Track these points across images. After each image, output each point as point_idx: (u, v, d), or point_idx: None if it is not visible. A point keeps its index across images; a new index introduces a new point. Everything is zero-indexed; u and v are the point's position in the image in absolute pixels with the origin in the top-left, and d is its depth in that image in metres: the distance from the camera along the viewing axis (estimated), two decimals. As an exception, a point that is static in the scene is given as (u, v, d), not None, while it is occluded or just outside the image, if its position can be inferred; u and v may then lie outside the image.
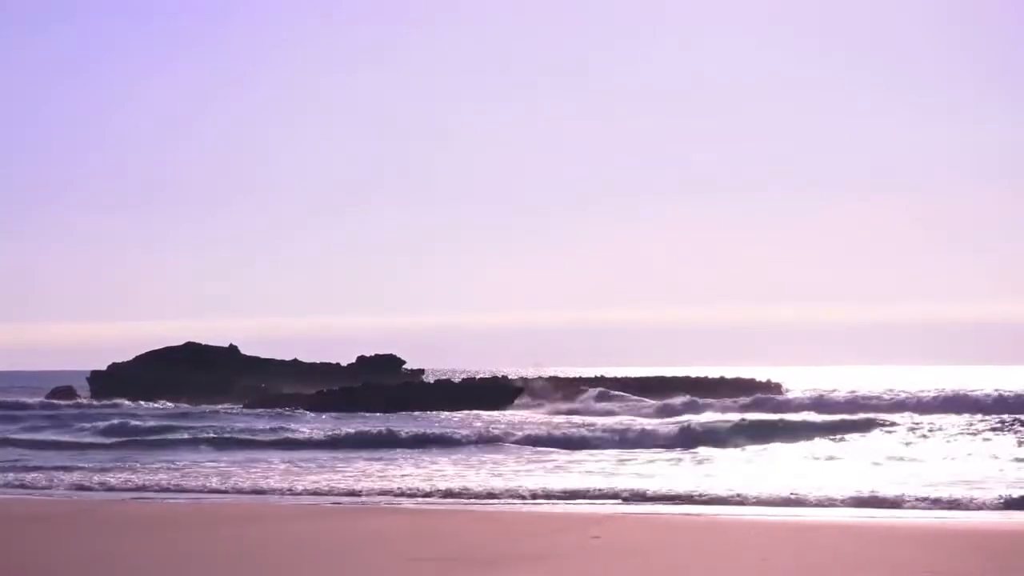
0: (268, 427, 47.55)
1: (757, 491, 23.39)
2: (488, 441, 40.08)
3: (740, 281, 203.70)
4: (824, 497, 22.50)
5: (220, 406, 65.02)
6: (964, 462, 31.25)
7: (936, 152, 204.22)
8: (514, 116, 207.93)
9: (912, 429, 42.32)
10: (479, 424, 50.02)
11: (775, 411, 51.19)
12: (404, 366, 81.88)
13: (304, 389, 68.59)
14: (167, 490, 26.20)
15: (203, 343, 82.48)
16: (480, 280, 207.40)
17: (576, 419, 54.08)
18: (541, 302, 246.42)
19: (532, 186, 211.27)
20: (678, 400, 61.25)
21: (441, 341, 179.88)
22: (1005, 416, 46.99)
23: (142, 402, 70.19)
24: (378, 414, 57.49)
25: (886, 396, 62.13)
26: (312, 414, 58.72)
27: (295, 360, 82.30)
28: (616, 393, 69.76)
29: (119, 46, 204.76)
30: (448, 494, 24.59)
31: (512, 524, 18.97)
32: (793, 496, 22.78)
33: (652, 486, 24.86)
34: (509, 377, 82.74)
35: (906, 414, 50.66)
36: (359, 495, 24.74)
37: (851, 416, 46.21)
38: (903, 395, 62.38)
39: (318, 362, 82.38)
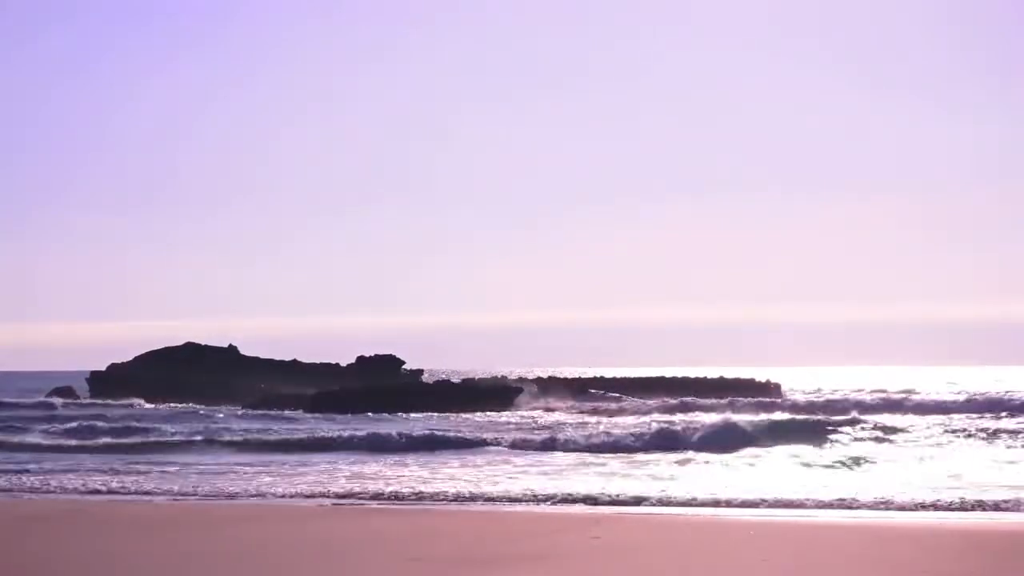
0: (265, 428, 47.57)
1: (749, 494, 23.26)
2: (488, 442, 40.05)
3: (740, 281, 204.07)
4: (812, 499, 22.38)
5: (220, 406, 65.07)
6: (959, 463, 31.21)
7: (936, 152, 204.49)
8: (514, 116, 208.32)
9: (907, 430, 42.41)
10: (478, 425, 50.05)
11: (772, 411, 51.15)
12: (404, 366, 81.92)
13: (304, 389, 68.55)
14: (166, 491, 26.18)
15: (203, 343, 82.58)
16: (480, 280, 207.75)
17: (575, 420, 54.08)
18: (541, 302, 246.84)
19: (532, 186, 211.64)
20: (677, 401, 61.35)
21: (441, 341, 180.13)
22: (1004, 416, 47.07)
23: (142, 402, 70.18)
24: (377, 415, 57.53)
25: (886, 396, 62.16)
26: (310, 415, 58.77)
27: (295, 360, 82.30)
28: (615, 394, 69.78)
29: (119, 46, 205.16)
30: (448, 495, 24.58)
31: (512, 524, 18.97)
32: (784, 499, 22.66)
33: (652, 490, 24.84)
34: (508, 377, 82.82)
35: (907, 414, 50.79)
36: (358, 496, 24.73)
37: (850, 416, 46.17)
38: (901, 395, 62.43)
39: (318, 362, 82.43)
